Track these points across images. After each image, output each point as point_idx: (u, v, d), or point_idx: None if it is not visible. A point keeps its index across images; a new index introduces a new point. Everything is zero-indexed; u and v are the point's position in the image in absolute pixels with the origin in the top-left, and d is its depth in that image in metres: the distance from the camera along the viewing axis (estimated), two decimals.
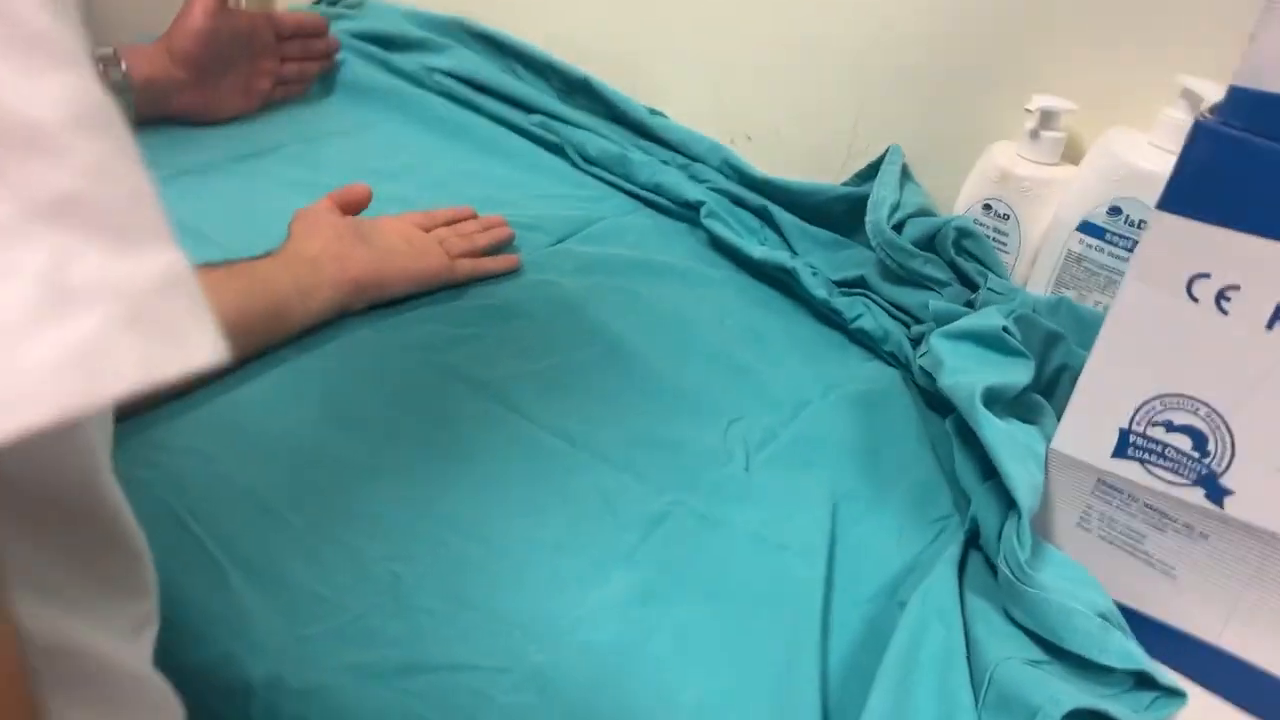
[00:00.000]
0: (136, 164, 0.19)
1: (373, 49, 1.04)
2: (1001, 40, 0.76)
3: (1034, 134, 0.72)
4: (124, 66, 0.81)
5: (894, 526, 0.58)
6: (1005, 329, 0.59)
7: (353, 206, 0.72)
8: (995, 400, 0.55)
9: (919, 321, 0.73)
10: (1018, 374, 0.56)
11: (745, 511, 0.57)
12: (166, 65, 0.84)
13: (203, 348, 0.19)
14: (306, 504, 0.52)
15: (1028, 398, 0.58)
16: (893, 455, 0.64)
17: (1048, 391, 0.61)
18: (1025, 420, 0.56)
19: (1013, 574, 0.49)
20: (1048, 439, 0.53)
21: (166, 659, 0.29)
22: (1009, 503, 0.52)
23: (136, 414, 0.54)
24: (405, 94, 0.98)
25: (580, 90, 0.99)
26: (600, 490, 0.57)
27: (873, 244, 0.74)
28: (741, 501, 0.58)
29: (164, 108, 0.85)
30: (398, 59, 1.02)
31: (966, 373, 0.57)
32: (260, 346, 0.60)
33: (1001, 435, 0.52)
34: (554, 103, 0.98)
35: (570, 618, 0.48)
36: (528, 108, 0.98)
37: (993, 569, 0.53)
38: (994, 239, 0.75)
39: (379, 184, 0.82)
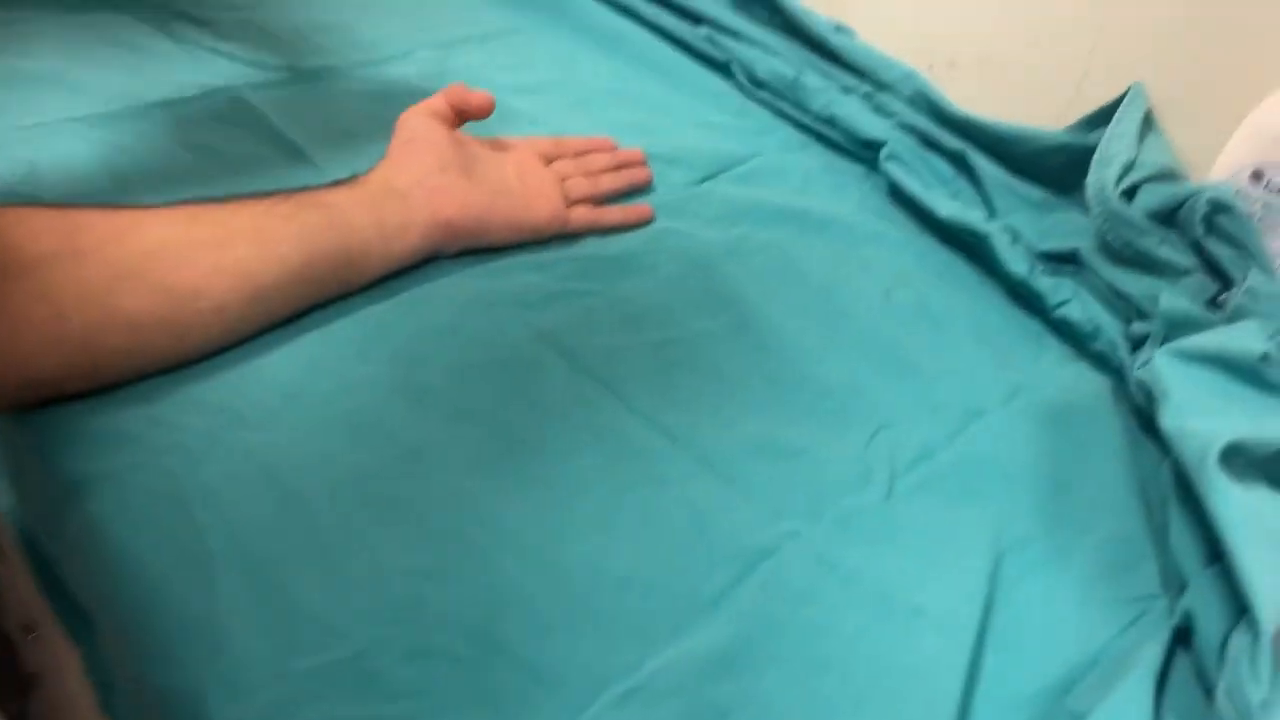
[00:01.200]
0: None
1: None
2: None
3: None
4: None
5: (1076, 596, 0.44)
6: (1267, 355, 0.43)
7: (470, 113, 0.61)
8: (1239, 456, 0.40)
9: (1144, 317, 0.57)
10: (1278, 425, 0.41)
11: (876, 555, 0.45)
12: None
13: None
14: (340, 492, 0.43)
15: None
16: (1087, 495, 0.50)
17: None
18: None
19: (1239, 716, 0.35)
20: None
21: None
22: (1243, 605, 0.37)
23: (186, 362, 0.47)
24: None
25: (758, 0, 0.84)
26: (694, 508, 0.45)
27: (1094, 211, 0.58)
28: (874, 540, 0.45)
29: None
30: None
31: (1203, 414, 0.41)
32: (329, 295, 0.52)
33: (1243, 511, 0.37)
34: (726, 12, 0.84)
35: (622, 685, 0.38)
36: (695, 17, 0.85)
37: (1207, 690, 0.39)
38: (1263, 220, 0.57)
39: (511, 99, 0.73)
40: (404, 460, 0.45)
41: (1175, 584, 0.43)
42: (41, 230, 0.43)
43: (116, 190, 0.57)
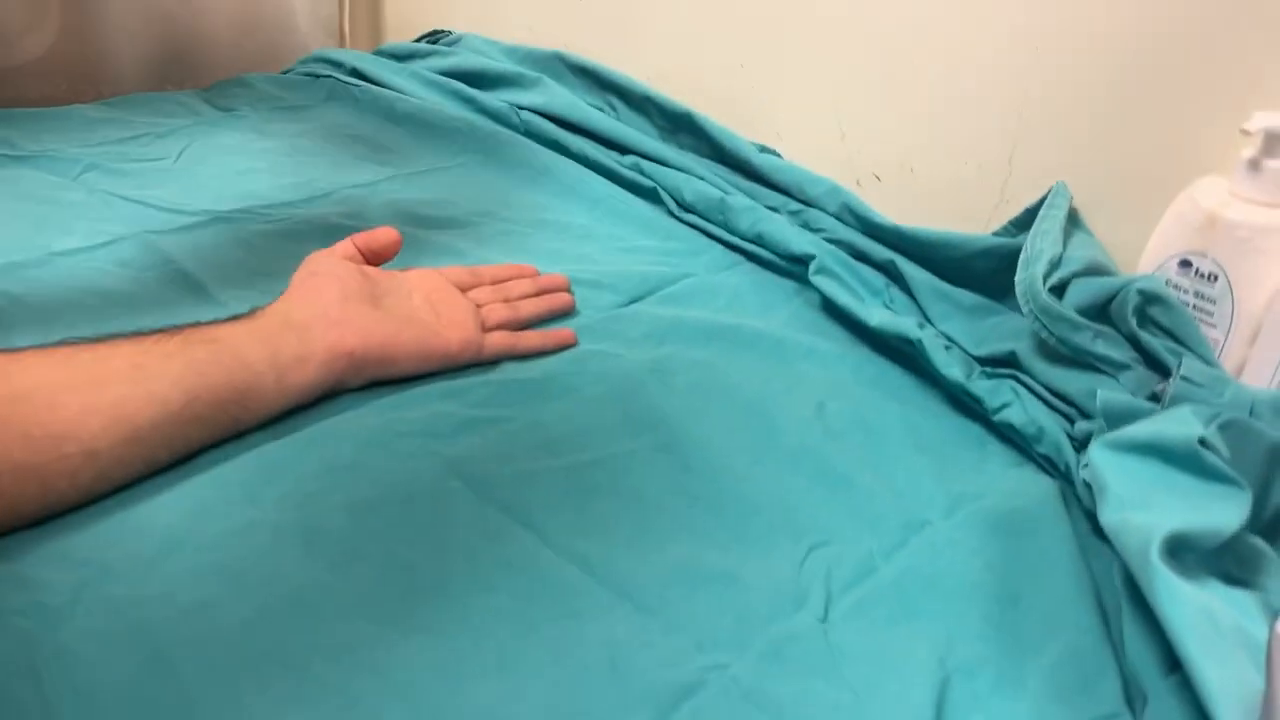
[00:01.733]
0: None
1: (459, 86, 0.94)
2: (1205, 39, 0.58)
3: (1254, 164, 0.53)
4: None
5: None
6: (1203, 441, 0.40)
7: (378, 255, 0.60)
8: (1185, 550, 0.37)
9: (1086, 416, 0.55)
10: (1223, 512, 0.38)
11: (810, 688, 0.40)
12: None
13: None
14: (213, 648, 0.39)
15: (1241, 545, 0.39)
16: (1038, 608, 0.46)
17: (1270, 533, 0.41)
18: (1235, 582, 0.37)
19: None
20: (1274, 614, 0.34)
21: None
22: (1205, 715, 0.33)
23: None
24: (484, 134, 0.87)
25: (683, 127, 0.85)
26: (611, 643, 0.41)
27: (1024, 311, 0.57)
28: (808, 671, 0.41)
29: None
30: (484, 97, 0.92)
31: (1140, 507, 0.38)
32: (219, 434, 0.49)
33: (1191, 611, 0.34)
34: (652, 143, 0.85)
35: None
36: (621, 148, 0.85)
37: None
38: (1195, 307, 0.56)
39: (433, 234, 0.72)
40: (288, 608, 0.41)
41: (1139, 697, 0.39)
42: None
43: (3, 342, 0.54)
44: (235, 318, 0.52)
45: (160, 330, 0.48)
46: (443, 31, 1.09)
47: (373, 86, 0.94)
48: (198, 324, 0.50)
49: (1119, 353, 0.54)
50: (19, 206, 0.67)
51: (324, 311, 0.53)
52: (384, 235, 0.60)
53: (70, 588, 0.41)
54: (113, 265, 0.63)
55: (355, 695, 0.38)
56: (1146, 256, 0.58)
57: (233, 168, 0.79)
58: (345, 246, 0.59)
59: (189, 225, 0.69)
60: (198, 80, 1.09)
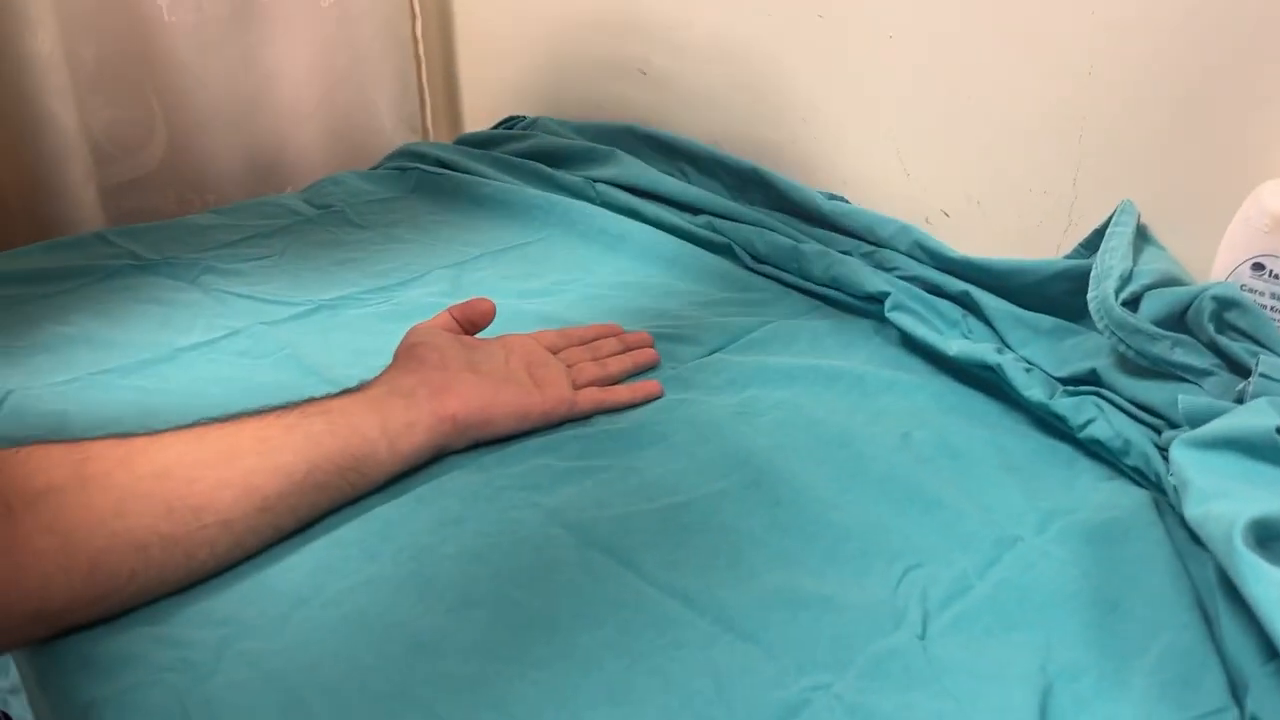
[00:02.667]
0: None
1: (536, 165, 0.98)
2: (1259, 47, 0.58)
3: None
4: None
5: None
6: None
7: (474, 324, 0.64)
8: (1272, 538, 0.37)
9: (1174, 426, 0.55)
10: None
11: (912, 701, 0.41)
12: None
13: None
14: (344, 692, 0.42)
15: None
16: (1138, 611, 0.46)
17: None
18: None
19: None
20: None
21: None
22: None
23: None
24: (563, 208, 0.91)
25: (752, 183, 0.88)
26: (715, 670, 0.43)
27: (1099, 328, 0.57)
28: (908, 686, 0.42)
29: None
30: (561, 174, 0.97)
31: (1222, 497, 0.39)
32: (338, 501, 0.52)
33: (1278, 591, 0.34)
34: (723, 201, 0.88)
35: None
36: (694, 209, 0.88)
37: None
38: (1271, 309, 0.56)
39: (524, 302, 0.76)
40: (410, 653, 0.44)
41: (1243, 690, 0.39)
42: (51, 463, 0.45)
43: (141, 427, 0.59)
44: (346, 391, 0.56)
45: (281, 406, 0.53)
46: (517, 117, 1.15)
47: (456, 174, 1.00)
48: (313, 399, 0.54)
49: (1200, 360, 0.54)
50: (146, 309, 0.73)
51: (426, 379, 0.57)
52: (479, 305, 0.64)
53: (213, 645, 0.44)
54: (232, 355, 0.68)
55: None
56: (1218, 264, 0.58)
57: (332, 259, 0.84)
58: (443, 318, 0.63)
59: (297, 314, 0.74)
60: (295, 182, 1.17)
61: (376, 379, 0.57)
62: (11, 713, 0.54)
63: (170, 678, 0.42)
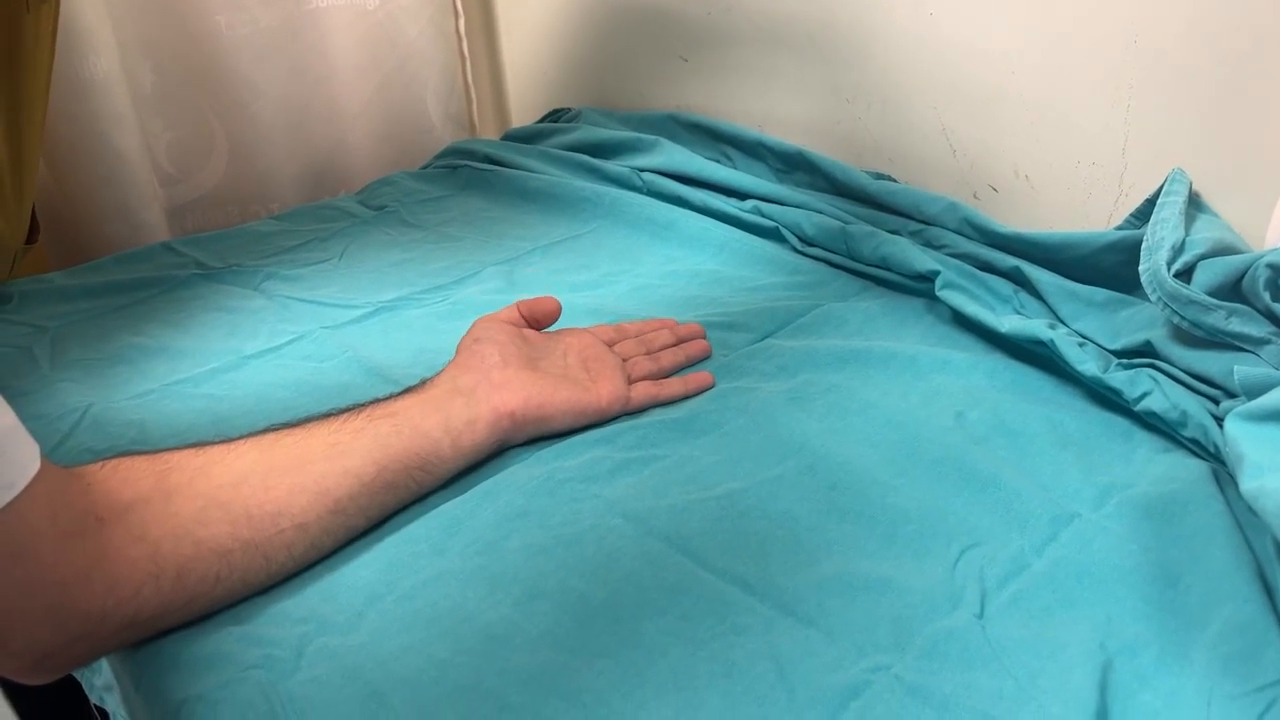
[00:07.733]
0: None
1: (583, 158, 1.00)
2: None
3: None
4: None
5: (1200, 693, 0.41)
6: None
7: (539, 321, 0.66)
8: None
9: (1231, 395, 0.55)
10: None
11: (972, 679, 0.42)
12: None
13: None
14: (421, 683, 0.44)
15: None
16: (1198, 584, 0.46)
17: None
18: None
19: None
20: None
21: None
22: None
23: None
24: (610, 199, 0.92)
25: (797, 165, 0.89)
26: (776, 655, 0.44)
27: (1152, 299, 0.57)
28: (968, 665, 0.43)
29: None
30: (607, 165, 0.98)
31: (1278, 471, 0.39)
32: (406, 498, 0.54)
33: None
34: (769, 185, 0.88)
35: None
36: (741, 194, 0.89)
37: None
38: None
39: (576, 295, 0.77)
40: (480, 644, 0.46)
41: None
42: (136, 475, 0.47)
43: (217, 435, 0.61)
44: (409, 390, 0.58)
45: (347, 409, 0.55)
46: (562, 110, 1.16)
47: (505, 169, 1.01)
48: (378, 400, 0.56)
49: (1256, 329, 0.54)
50: (212, 317, 0.76)
51: (486, 375, 0.58)
52: (546, 304, 0.66)
53: (294, 642, 0.46)
54: (297, 359, 0.70)
55: (549, 718, 0.42)
56: (1272, 230, 0.57)
57: (388, 260, 0.87)
58: (510, 312, 0.65)
59: (358, 317, 0.76)
60: (348, 184, 1.19)
61: (438, 377, 0.59)
62: (108, 708, 0.57)
63: (256, 675, 0.45)
